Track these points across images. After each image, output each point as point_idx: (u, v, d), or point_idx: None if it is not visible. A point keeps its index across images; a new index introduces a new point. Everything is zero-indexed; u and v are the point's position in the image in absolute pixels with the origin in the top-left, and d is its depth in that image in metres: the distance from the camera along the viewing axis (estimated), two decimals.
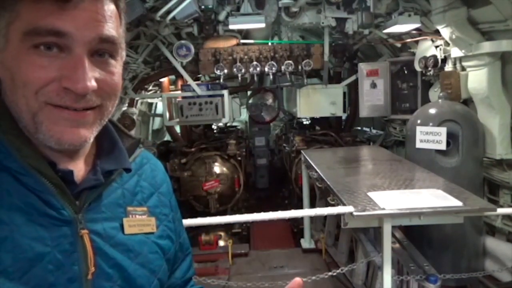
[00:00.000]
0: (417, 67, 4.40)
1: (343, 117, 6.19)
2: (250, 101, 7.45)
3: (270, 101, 7.15)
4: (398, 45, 4.75)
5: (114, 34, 0.75)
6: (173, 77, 5.77)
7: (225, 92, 4.99)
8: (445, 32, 3.62)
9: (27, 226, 0.70)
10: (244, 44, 4.87)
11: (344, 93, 5.60)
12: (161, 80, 5.61)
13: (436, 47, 4.06)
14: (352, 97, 5.76)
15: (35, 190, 0.73)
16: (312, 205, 4.38)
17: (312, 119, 6.90)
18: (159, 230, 0.93)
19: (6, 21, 0.71)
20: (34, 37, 0.69)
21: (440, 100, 3.74)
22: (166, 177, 1.04)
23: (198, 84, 5.01)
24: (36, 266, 0.70)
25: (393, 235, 2.89)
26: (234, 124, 8.09)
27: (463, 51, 3.58)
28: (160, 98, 6.01)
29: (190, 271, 1.10)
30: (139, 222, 0.88)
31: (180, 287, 1.06)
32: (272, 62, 4.70)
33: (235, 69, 4.69)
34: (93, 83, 0.71)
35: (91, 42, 0.72)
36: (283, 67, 4.72)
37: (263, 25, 4.20)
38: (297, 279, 0.92)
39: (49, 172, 0.75)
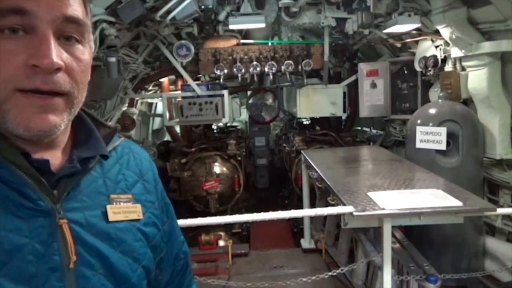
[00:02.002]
0: (417, 67, 4.41)
1: (343, 117, 6.19)
2: (250, 101, 7.45)
3: (270, 101, 7.14)
4: (398, 45, 4.76)
5: (79, 15, 0.76)
6: (173, 77, 5.77)
7: (225, 92, 4.99)
8: (445, 32, 3.62)
9: (4, 218, 0.70)
10: (244, 44, 4.87)
11: (344, 93, 5.59)
12: (161, 80, 5.61)
13: (436, 47, 4.06)
14: (352, 97, 5.76)
15: (9, 182, 0.73)
16: (312, 205, 4.38)
17: (312, 119, 6.90)
18: (145, 217, 0.93)
19: None
20: None
21: (440, 100, 3.74)
22: (151, 165, 1.04)
23: (198, 84, 5.01)
24: (14, 257, 0.70)
25: (393, 235, 2.89)
26: (234, 124, 8.09)
27: (463, 51, 3.58)
28: (160, 98, 6.01)
29: (180, 262, 1.10)
30: (124, 209, 0.88)
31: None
32: (272, 62, 4.70)
33: (235, 69, 4.69)
34: (59, 61, 0.71)
35: (55, 20, 0.72)
36: (283, 67, 4.72)
37: (263, 25, 4.20)
38: None
39: (23, 163, 0.75)
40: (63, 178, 0.80)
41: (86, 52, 0.79)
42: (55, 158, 0.82)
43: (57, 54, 0.71)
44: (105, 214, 0.85)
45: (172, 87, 5.89)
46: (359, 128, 6.76)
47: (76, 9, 0.75)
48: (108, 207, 0.86)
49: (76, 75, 0.76)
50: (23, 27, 0.70)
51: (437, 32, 3.86)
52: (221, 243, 4.73)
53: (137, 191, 0.94)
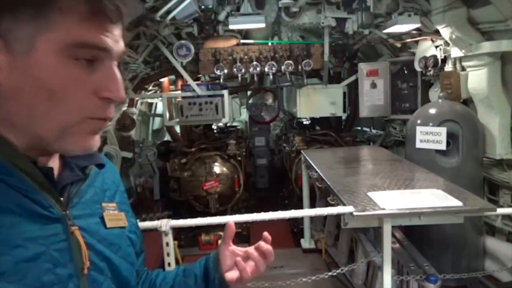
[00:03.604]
0: (417, 67, 4.40)
1: (343, 117, 6.19)
2: (250, 101, 7.45)
3: (270, 101, 7.13)
4: (398, 45, 4.75)
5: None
6: (173, 77, 5.77)
7: (225, 92, 4.99)
8: (445, 32, 3.62)
9: (19, 227, 0.70)
10: (244, 44, 4.87)
11: (344, 93, 5.59)
12: (161, 80, 5.60)
13: (436, 47, 4.06)
14: (352, 97, 5.76)
15: (20, 189, 0.73)
16: (312, 205, 4.38)
17: (312, 119, 6.89)
18: (128, 224, 0.97)
19: (33, 27, 0.69)
20: (79, 49, 0.71)
21: (440, 100, 3.74)
22: (119, 175, 1.09)
23: (198, 84, 5.00)
24: (34, 266, 0.70)
25: (393, 235, 2.89)
26: (234, 124, 8.08)
27: (463, 51, 3.58)
28: (160, 98, 6.01)
29: (143, 265, 1.13)
30: (114, 217, 0.92)
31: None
32: (272, 62, 4.69)
33: (235, 69, 4.69)
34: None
35: (120, 56, 0.79)
36: (283, 67, 4.71)
37: (263, 25, 4.20)
38: (265, 233, 1.09)
39: (34, 171, 0.75)
40: (66, 186, 0.82)
41: None
42: (55, 165, 0.84)
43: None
44: (102, 220, 0.88)
45: (172, 87, 5.89)
46: (359, 128, 6.75)
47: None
48: (105, 214, 0.89)
49: None
50: (96, 59, 0.74)
51: (437, 32, 3.86)
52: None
53: (118, 200, 0.98)
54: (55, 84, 0.70)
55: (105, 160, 1.02)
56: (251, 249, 1.07)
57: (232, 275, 1.04)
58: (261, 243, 1.06)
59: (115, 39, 0.76)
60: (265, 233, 1.09)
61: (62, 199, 0.79)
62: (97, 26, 0.72)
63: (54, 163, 0.83)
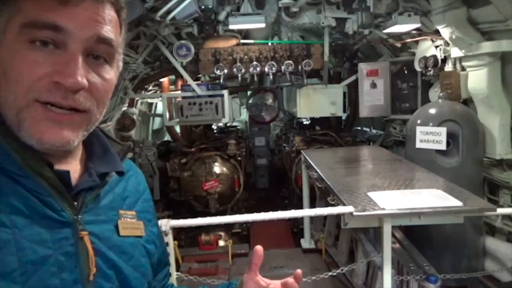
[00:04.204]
0: (417, 67, 4.40)
1: (343, 117, 6.19)
2: (250, 101, 7.45)
3: (270, 101, 7.14)
4: (398, 45, 4.75)
5: (112, 37, 0.76)
6: (173, 77, 5.77)
7: (225, 92, 4.99)
8: (445, 32, 3.62)
9: (29, 229, 0.70)
10: (244, 44, 4.87)
11: (344, 93, 5.59)
12: (161, 80, 5.60)
13: (436, 47, 4.06)
14: (352, 97, 5.76)
15: (34, 192, 0.73)
16: (312, 205, 4.38)
17: (312, 119, 6.89)
18: (146, 234, 0.94)
19: (7, 16, 0.71)
20: (31, 30, 0.69)
21: (440, 100, 3.74)
22: (146, 185, 1.07)
23: (198, 84, 5.00)
24: (40, 269, 0.70)
25: (393, 235, 2.89)
26: (234, 124, 8.08)
27: (463, 51, 3.58)
28: (160, 98, 6.01)
29: (166, 279, 1.11)
30: (130, 225, 0.90)
31: None
32: (272, 62, 4.69)
33: (235, 69, 4.69)
34: (84, 81, 0.71)
35: (88, 40, 0.72)
36: (283, 67, 4.71)
37: (263, 25, 4.20)
38: (298, 271, 1.02)
39: (49, 174, 0.75)
40: (82, 191, 0.81)
41: (112, 72, 0.80)
42: (74, 169, 0.83)
43: (82, 74, 0.71)
44: (116, 228, 0.86)
45: (172, 87, 5.89)
46: (359, 128, 6.75)
47: (110, 30, 0.76)
48: (119, 222, 0.87)
49: (98, 94, 0.76)
50: (54, 42, 0.70)
51: (437, 32, 3.86)
52: (221, 243, 4.73)
53: (138, 208, 0.96)
54: (9, 67, 0.70)
55: (131, 167, 1.00)
56: (278, 285, 1.04)
57: None
58: (290, 281, 1.02)
59: (81, 22, 0.71)
60: (299, 271, 1.03)
61: (76, 203, 0.78)
62: (53, 6, 0.69)
63: (74, 167, 0.83)
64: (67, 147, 0.76)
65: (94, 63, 0.75)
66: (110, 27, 0.76)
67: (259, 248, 1.04)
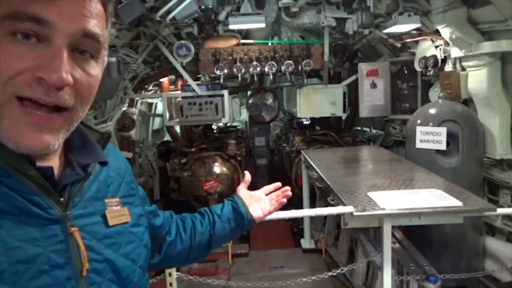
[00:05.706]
0: (417, 67, 4.40)
1: (343, 117, 6.19)
2: (250, 101, 7.44)
3: (270, 101, 7.13)
4: (398, 45, 4.75)
5: (98, 32, 0.74)
6: (173, 77, 5.76)
7: (225, 92, 4.99)
8: (445, 32, 3.62)
9: (16, 229, 0.69)
10: (244, 44, 4.87)
11: (344, 93, 5.59)
12: (161, 80, 5.60)
13: (436, 47, 4.06)
14: (352, 97, 5.76)
15: (18, 191, 0.71)
16: (312, 205, 4.38)
17: (312, 119, 6.89)
18: (131, 218, 0.93)
19: None
20: (13, 22, 0.65)
21: (440, 100, 3.74)
22: (126, 163, 1.04)
23: (198, 84, 5.01)
24: (31, 268, 0.69)
25: (393, 235, 2.89)
26: (234, 124, 8.08)
27: (463, 51, 3.58)
28: (160, 98, 6.01)
29: (165, 215, 1.24)
30: (117, 213, 0.89)
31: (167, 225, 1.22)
32: (272, 62, 4.70)
33: (235, 69, 4.69)
34: (69, 77, 0.68)
35: (74, 34, 0.70)
36: (283, 67, 4.72)
37: (263, 25, 4.20)
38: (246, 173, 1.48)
39: (32, 172, 0.73)
40: (67, 185, 0.80)
41: (98, 67, 0.77)
42: (55, 164, 0.81)
43: (67, 70, 0.68)
44: (104, 218, 0.85)
45: (172, 87, 5.89)
46: (359, 128, 6.75)
47: (97, 24, 0.73)
48: (107, 212, 0.86)
49: (83, 90, 0.74)
50: (37, 35, 0.67)
51: (437, 32, 3.86)
52: None
53: (122, 193, 0.95)
54: None
55: (111, 151, 0.97)
56: (265, 191, 1.47)
57: (258, 212, 1.40)
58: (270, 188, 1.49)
59: (66, 15, 0.68)
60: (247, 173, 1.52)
61: (62, 199, 0.77)
62: None
63: (55, 162, 0.81)
64: (46, 151, 0.73)
65: (79, 58, 0.72)
66: (97, 21, 0.73)
67: (248, 173, 1.52)
